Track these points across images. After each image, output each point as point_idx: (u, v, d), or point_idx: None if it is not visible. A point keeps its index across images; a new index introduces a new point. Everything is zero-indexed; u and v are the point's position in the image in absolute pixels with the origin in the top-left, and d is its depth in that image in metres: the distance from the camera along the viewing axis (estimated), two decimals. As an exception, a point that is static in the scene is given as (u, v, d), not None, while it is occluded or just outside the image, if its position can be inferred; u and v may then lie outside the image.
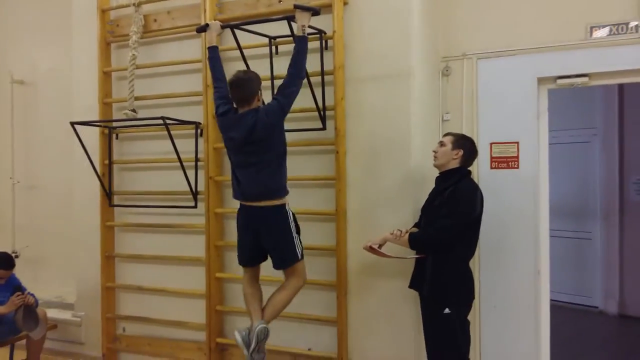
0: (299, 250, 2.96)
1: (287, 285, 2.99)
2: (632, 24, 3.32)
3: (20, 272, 4.17)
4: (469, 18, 3.72)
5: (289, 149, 3.03)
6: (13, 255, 4.27)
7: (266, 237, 2.94)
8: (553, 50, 3.48)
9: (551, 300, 3.72)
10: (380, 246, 2.97)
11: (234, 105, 2.97)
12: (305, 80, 3.26)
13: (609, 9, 3.36)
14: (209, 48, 3.20)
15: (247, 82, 2.86)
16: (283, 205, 2.94)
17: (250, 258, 3.06)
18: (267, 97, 3.46)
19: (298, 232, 3.00)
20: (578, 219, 5.83)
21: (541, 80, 3.56)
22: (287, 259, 2.95)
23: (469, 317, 2.90)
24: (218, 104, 3.05)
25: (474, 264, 2.97)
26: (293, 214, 2.99)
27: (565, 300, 5.79)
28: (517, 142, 3.59)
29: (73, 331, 4.45)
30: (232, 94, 2.91)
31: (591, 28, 3.40)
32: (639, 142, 5.46)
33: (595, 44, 3.39)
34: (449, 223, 2.73)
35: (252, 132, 2.83)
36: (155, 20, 4.02)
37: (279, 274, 3.09)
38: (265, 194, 2.90)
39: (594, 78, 3.46)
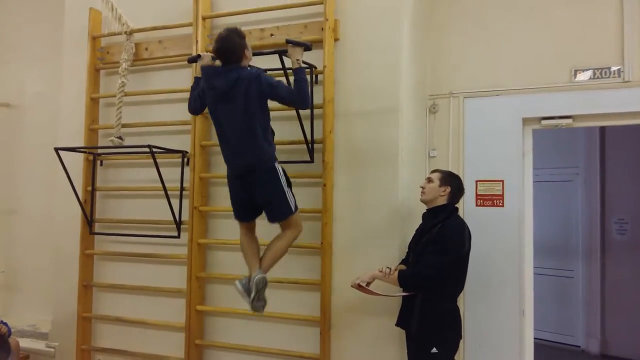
0: (292, 204, 2.94)
1: (283, 235, 2.99)
2: (614, 68, 3.42)
3: (-6, 298, 4.06)
4: (457, 57, 3.80)
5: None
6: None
7: (258, 194, 2.93)
8: (538, 91, 3.56)
9: (534, 338, 3.70)
10: (368, 284, 2.94)
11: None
12: (294, 113, 3.30)
13: (592, 53, 3.47)
14: (196, 78, 3.21)
15: (234, 49, 2.83)
16: (273, 165, 2.92)
17: (245, 213, 3.05)
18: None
19: (289, 185, 2.99)
20: (560, 257, 5.87)
21: (526, 121, 3.63)
22: (281, 213, 2.94)
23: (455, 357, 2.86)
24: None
25: (459, 302, 2.95)
26: (283, 170, 2.97)
27: (548, 339, 5.78)
28: (502, 181, 3.63)
29: (45, 362, 4.29)
30: (219, 59, 2.89)
31: (575, 71, 3.49)
32: (619, 182, 5.56)
33: (579, 87, 3.48)
34: (438, 261, 2.72)
35: (235, 84, 2.80)
36: (146, 49, 4.03)
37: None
38: (253, 165, 2.88)
39: (577, 120, 3.54)
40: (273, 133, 3.02)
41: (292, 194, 2.99)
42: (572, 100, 3.49)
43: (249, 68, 2.92)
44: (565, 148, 5.85)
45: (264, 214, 3.04)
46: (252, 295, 2.83)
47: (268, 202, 2.96)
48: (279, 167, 2.95)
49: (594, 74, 3.45)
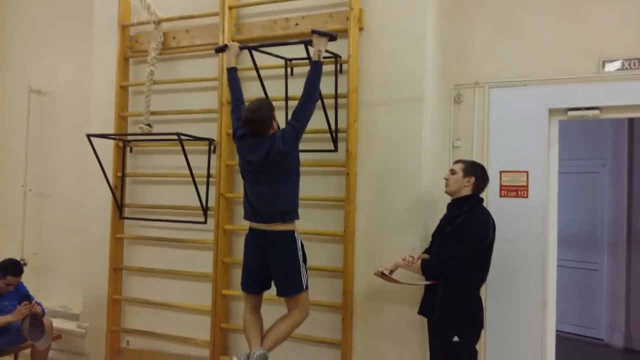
0: (304, 280, 2.96)
1: (289, 316, 2.99)
2: (644, 59, 3.36)
3: (27, 279, 4.19)
4: (483, 47, 3.77)
5: (300, 168, 3.06)
6: (21, 262, 4.29)
7: (273, 263, 2.95)
8: (565, 82, 3.52)
9: (556, 330, 3.70)
10: (391, 272, 2.98)
11: None
12: (319, 102, 3.32)
13: (621, 44, 3.41)
14: (228, 69, 3.27)
15: (263, 120, 2.91)
16: (292, 232, 2.97)
17: (254, 284, 3.07)
18: (280, 116, 3.51)
19: (305, 261, 3.01)
20: (585, 249, 5.79)
21: (552, 112, 3.59)
22: (292, 287, 2.95)
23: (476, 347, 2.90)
24: (236, 126, 3.11)
25: (481, 291, 2.97)
26: (301, 243, 3.01)
27: (571, 331, 5.73)
28: (527, 172, 3.61)
29: (77, 342, 4.45)
30: (248, 128, 2.96)
31: (603, 62, 3.44)
32: (647, 174, 5.45)
33: (606, 78, 3.43)
34: (461, 251, 2.74)
35: (268, 156, 2.88)
36: (174, 38, 4.10)
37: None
38: (277, 215, 2.93)
39: (605, 111, 3.49)
40: (298, 194, 3.05)
41: (306, 272, 3.00)
42: (600, 92, 3.44)
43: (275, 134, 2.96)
44: (593, 139, 5.74)
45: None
46: None
47: (280, 272, 2.96)
48: (298, 238, 2.99)
49: (623, 64, 3.39)
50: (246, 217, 3.09)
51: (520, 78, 3.64)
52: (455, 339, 2.74)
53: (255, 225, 3.03)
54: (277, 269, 2.96)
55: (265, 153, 2.88)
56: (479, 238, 2.78)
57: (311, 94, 2.97)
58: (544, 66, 3.58)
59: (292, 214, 2.98)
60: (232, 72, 3.25)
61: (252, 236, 3.05)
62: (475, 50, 3.79)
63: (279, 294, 3.01)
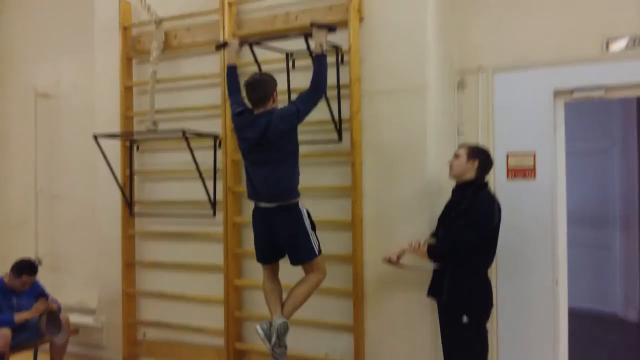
0: (315, 247, 2.99)
1: (307, 280, 3.03)
2: (649, 36, 3.31)
3: (43, 278, 4.27)
4: (485, 31, 3.74)
5: (305, 160, 3.08)
6: (35, 262, 4.36)
7: (281, 236, 2.99)
8: (569, 63, 3.48)
9: (571, 307, 3.71)
10: (398, 258, 3.01)
11: (250, 107, 3.03)
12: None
13: (625, 23, 3.37)
14: (228, 67, 3.28)
15: (263, 84, 2.93)
16: (296, 204, 2.99)
17: (267, 256, 3.12)
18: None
19: (313, 228, 3.03)
20: (597, 228, 5.78)
21: (557, 93, 3.57)
22: (304, 255, 2.99)
23: (487, 326, 2.92)
24: (234, 107, 3.13)
25: (491, 274, 2.99)
26: (307, 211, 3.03)
27: (586, 308, 5.73)
28: (534, 154, 3.59)
29: (94, 336, 4.54)
30: (248, 95, 2.97)
31: (608, 41, 3.39)
32: (658, 151, 5.40)
33: (611, 58, 3.39)
34: (466, 234, 2.76)
35: (264, 133, 2.87)
36: (175, 37, 4.11)
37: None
38: (278, 195, 2.94)
39: (610, 91, 3.46)
40: (298, 173, 3.05)
41: (317, 237, 3.02)
42: (605, 71, 3.40)
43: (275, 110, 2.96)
44: (601, 118, 5.70)
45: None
46: (273, 340, 2.85)
47: (290, 244, 2.99)
48: (303, 208, 3.00)
49: (628, 44, 3.34)
50: (249, 197, 3.11)
51: (524, 61, 3.61)
52: (465, 319, 2.76)
53: (258, 203, 3.06)
54: (287, 241, 2.99)
55: (263, 130, 2.87)
56: (484, 221, 2.78)
57: (319, 84, 2.95)
58: (548, 48, 3.55)
59: (292, 194, 2.97)
60: (231, 71, 3.26)
61: (258, 213, 3.08)
62: (477, 35, 3.76)
63: (292, 263, 3.04)
